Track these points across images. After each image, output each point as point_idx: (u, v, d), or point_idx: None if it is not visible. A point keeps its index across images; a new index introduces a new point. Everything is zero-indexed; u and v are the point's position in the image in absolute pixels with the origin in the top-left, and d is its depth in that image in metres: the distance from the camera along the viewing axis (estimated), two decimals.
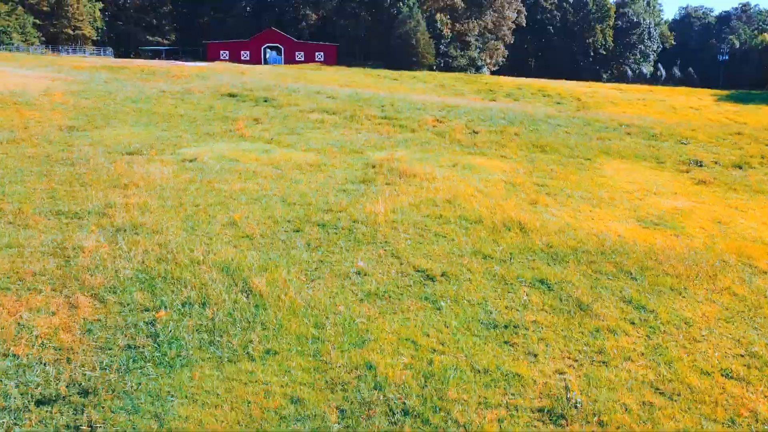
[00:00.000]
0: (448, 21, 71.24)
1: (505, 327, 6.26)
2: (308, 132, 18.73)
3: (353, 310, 6.34)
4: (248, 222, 9.01)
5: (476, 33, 73.94)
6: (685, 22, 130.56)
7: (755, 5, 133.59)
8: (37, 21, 73.27)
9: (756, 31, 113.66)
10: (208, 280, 6.71)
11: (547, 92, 48.55)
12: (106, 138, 16.06)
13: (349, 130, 19.45)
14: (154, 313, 5.92)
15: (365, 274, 7.32)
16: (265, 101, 24.16)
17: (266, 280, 6.83)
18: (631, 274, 8.08)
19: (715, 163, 18.09)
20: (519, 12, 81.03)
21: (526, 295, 7.15)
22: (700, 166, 17.40)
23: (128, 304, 6.08)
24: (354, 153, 15.60)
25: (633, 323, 6.60)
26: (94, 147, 14.73)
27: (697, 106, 42.75)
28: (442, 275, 7.50)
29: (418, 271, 7.61)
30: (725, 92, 53.59)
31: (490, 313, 6.56)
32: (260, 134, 17.75)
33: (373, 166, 13.72)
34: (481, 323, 6.31)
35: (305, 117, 21.31)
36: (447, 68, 69.67)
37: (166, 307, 6.03)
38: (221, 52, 69.68)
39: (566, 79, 66.80)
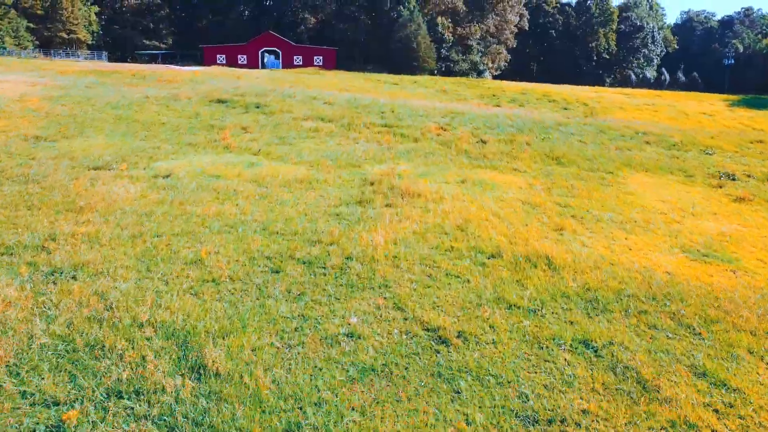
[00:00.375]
0: (450, 24, 69.86)
1: (549, 422, 4.60)
2: (301, 142, 17.11)
3: (341, 397, 4.68)
4: (217, 259, 7.36)
5: (478, 37, 72.55)
6: (686, 27, 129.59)
7: (758, 9, 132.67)
8: (31, 25, 72.12)
9: (760, 36, 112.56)
10: (150, 352, 5.05)
11: (552, 97, 47.11)
12: (75, 149, 14.44)
13: (346, 140, 17.83)
14: (63, 410, 4.26)
15: (359, 337, 5.66)
16: (257, 107, 22.55)
17: (228, 349, 5.17)
18: (694, 329, 6.42)
19: (748, 176, 16.47)
20: (521, 15, 79.75)
21: (568, 364, 5.49)
22: (733, 179, 15.77)
23: (31, 395, 4.42)
24: (350, 167, 13.97)
25: (717, 411, 4.93)
26: (58, 160, 13.11)
27: (710, 112, 41.15)
28: (459, 336, 5.84)
29: (428, 329, 5.95)
30: (736, 97, 52.04)
31: (526, 398, 4.90)
32: (247, 145, 16.13)
33: (372, 183, 12.09)
34: (516, 416, 4.65)
35: (298, 125, 19.70)
36: (448, 72, 68.26)
37: (82, 401, 4.37)
38: (218, 56, 68.22)
39: (568, 83, 65.40)
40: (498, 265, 7.84)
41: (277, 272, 7.09)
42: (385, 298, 6.58)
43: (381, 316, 6.15)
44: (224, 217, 9.27)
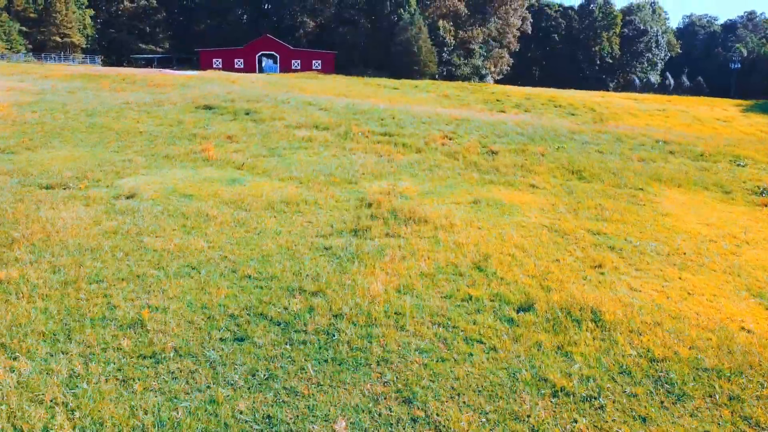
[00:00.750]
0: (451, 28, 68.36)
1: None
2: (291, 153, 15.38)
3: None
4: (164, 320, 5.61)
5: (480, 40, 71.03)
6: (689, 31, 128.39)
7: (761, 13, 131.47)
8: (24, 28, 70.87)
9: (764, 40, 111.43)
10: None
11: (558, 102, 45.56)
12: (34, 163, 12.73)
13: (342, 151, 16.10)
14: None
15: None
16: (246, 114, 20.84)
17: None
18: None
19: None
20: (524, 19, 78.28)
21: None
22: None
23: None
24: (345, 183, 12.23)
25: None
26: (8, 176, 11.39)
27: (724, 118, 39.46)
28: None
29: None
30: (748, 102, 50.43)
31: None
32: (231, 157, 14.40)
33: (370, 205, 10.34)
34: None
35: (291, 134, 17.98)
36: (450, 77, 66.69)
37: None
38: (214, 60, 66.69)
39: (571, 87, 63.94)
40: (531, 322, 6.08)
41: (242, 340, 5.33)
42: (385, 382, 4.81)
43: (380, 416, 4.38)
44: (187, 253, 7.52)
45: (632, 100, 49.55)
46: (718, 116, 40.31)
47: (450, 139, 19.17)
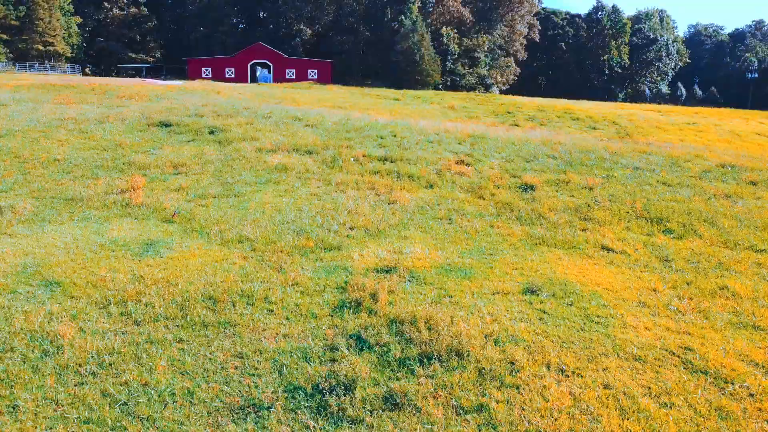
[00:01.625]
0: (455, 35, 64.46)
1: None
2: (254, 191, 11.04)
3: None
4: None
5: (486, 49, 67.13)
6: (695, 41, 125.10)
7: None
8: (4, 36, 67.26)
9: None
10: None
11: (574, 115, 41.50)
12: None
13: (326, 187, 11.78)
14: None
15: None
16: (211, 133, 16.54)
17: None
18: None
19: None
20: (531, 26, 74.48)
21: None
22: None
23: None
24: (323, 250, 7.87)
25: None
26: None
27: (767, 133, 35.23)
28: None
29: None
30: None
31: None
32: (165, 199, 10.06)
33: (358, 304, 6.00)
34: None
35: (261, 161, 13.67)
36: (453, 87, 62.69)
37: None
38: (203, 69, 62.71)
39: (578, 98, 60.07)
40: None
41: None
42: None
43: None
44: None
45: (656, 112, 45.36)
46: (758, 130, 36.05)
47: (467, 165, 14.86)
